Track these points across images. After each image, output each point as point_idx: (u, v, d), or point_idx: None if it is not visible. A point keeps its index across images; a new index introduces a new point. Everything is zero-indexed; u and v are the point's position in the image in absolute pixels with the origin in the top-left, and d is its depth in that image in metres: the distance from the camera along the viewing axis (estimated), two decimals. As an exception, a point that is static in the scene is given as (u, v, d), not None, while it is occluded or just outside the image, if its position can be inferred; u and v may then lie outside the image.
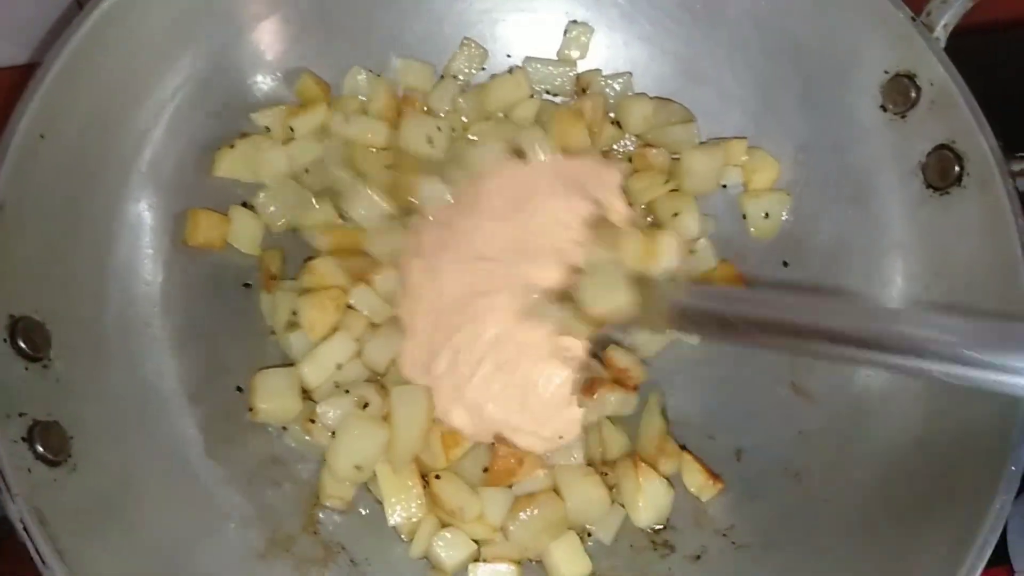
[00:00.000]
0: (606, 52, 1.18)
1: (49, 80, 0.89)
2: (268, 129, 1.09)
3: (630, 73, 1.17)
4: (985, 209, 0.95)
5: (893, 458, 0.97)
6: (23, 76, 0.90)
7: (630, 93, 1.17)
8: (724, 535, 1.01)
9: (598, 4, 1.17)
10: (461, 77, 1.17)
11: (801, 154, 1.12)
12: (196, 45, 1.03)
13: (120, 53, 0.96)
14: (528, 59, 1.18)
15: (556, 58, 1.19)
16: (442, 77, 1.16)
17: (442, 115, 1.14)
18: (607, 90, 1.17)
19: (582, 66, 1.19)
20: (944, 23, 0.99)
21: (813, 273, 1.10)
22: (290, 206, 1.07)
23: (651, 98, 1.16)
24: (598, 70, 1.18)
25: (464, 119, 1.16)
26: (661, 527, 1.01)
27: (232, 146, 1.06)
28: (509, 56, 1.19)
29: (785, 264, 1.12)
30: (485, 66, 1.18)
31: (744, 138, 1.15)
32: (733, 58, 1.14)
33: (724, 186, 1.15)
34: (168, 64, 1.01)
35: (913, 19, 0.99)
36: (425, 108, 1.15)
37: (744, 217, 1.14)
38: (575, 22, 1.17)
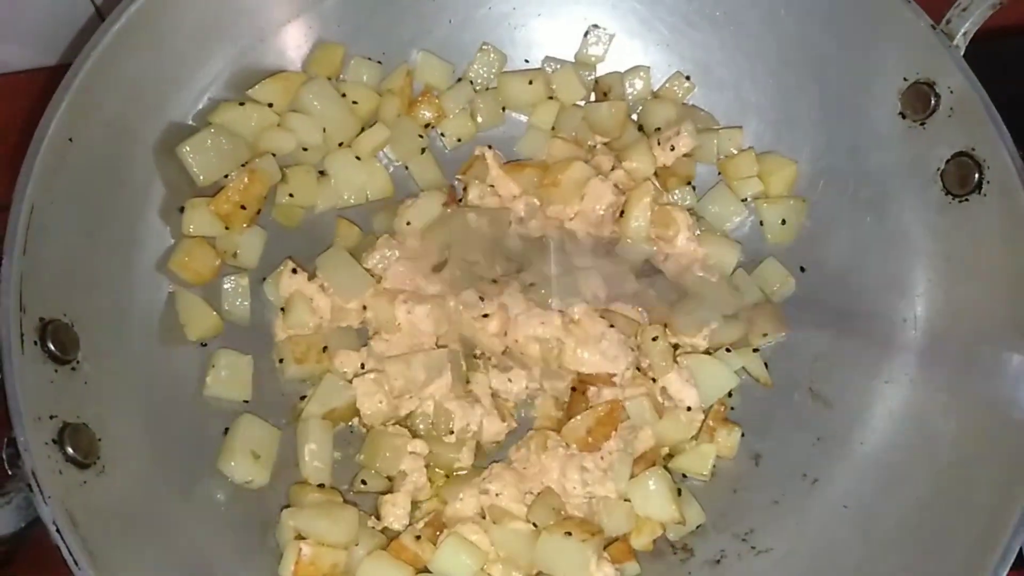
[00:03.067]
0: (624, 58, 1.19)
1: (77, 84, 0.89)
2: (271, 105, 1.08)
3: (648, 67, 1.18)
4: (1005, 216, 0.96)
5: (912, 464, 0.98)
6: (45, 80, 0.91)
7: (652, 88, 1.18)
8: (743, 539, 1.01)
9: (617, 10, 1.18)
10: (480, 82, 1.17)
11: (819, 160, 1.13)
12: (221, 49, 1.04)
13: (146, 57, 0.96)
14: (547, 59, 1.19)
15: (575, 61, 1.19)
16: (459, 80, 1.17)
17: (454, 115, 1.16)
18: (628, 89, 1.18)
19: (601, 70, 1.20)
20: (964, 31, 1.00)
21: (831, 279, 1.11)
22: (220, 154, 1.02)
23: (674, 102, 1.17)
24: (618, 72, 1.19)
25: (480, 119, 1.17)
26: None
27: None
28: (527, 61, 1.20)
29: (803, 269, 1.13)
30: (504, 71, 1.18)
31: (751, 149, 1.15)
32: (752, 65, 1.15)
33: (744, 199, 1.15)
34: (194, 68, 1.02)
35: (933, 27, 1.00)
36: (437, 113, 1.15)
37: (761, 223, 1.15)
38: (596, 26, 1.18)
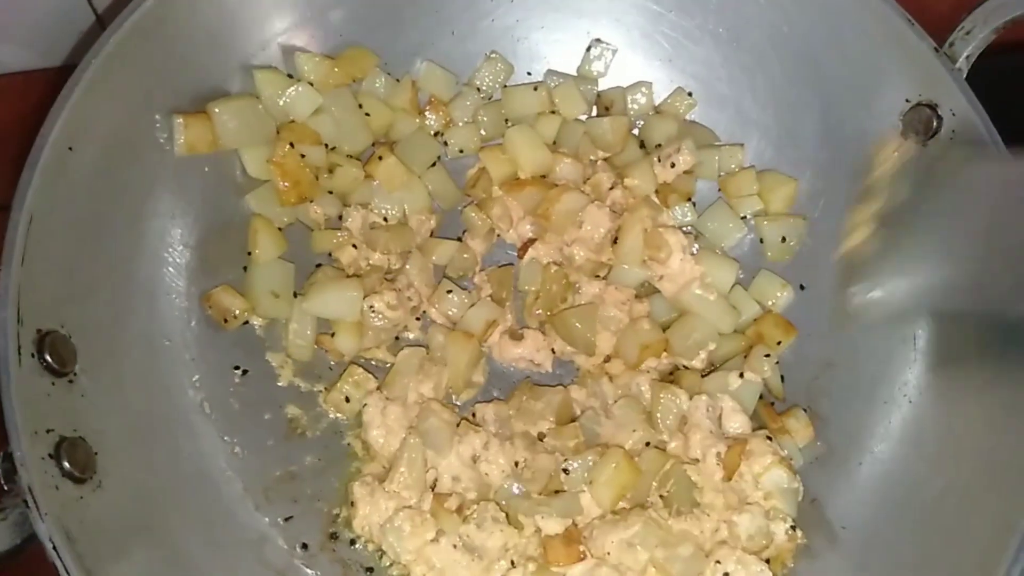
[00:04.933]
0: (627, 73, 1.19)
1: (78, 92, 0.88)
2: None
3: (650, 83, 1.18)
4: (1003, 237, 0.96)
5: (910, 487, 0.99)
6: (38, 82, 0.88)
7: (654, 104, 1.18)
8: (741, 558, 1.01)
9: (620, 25, 1.18)
10: (483, 89, 1.17)
11: (820, 179, 1.13)
12: (223, 58, 1.03)
13: (147, 66, 0.95)
14: (550, 72, 1.18)
15: (577, 75, 1.19)
16: (465, 85, 1.17)
17: (461, 124, 1.15)
18: (631, 105, 1.18)
19: (603, 84, 1.19)
20: (967, 55, 1.00)
21: (830, 298, 1.11)
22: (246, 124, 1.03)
23: (676, 118, 1.17)
24: (620, 87, 1.18)
25: (483, 132, 1.16)
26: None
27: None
28: (530, 74, 1.19)
29: (802, 287, 1.13)
30: (508, 83, 1.18)
31: (752, 166, 1.15)
32: (754, 82, 1.15)
33: (744, 217, 1.15)
34: (194, 78, 1.01)
35: (936, 50, 1.00)
36: (447, 119, 1.15)
37: (761, 241, 1.15)
38: (598, 41, 1.18)
